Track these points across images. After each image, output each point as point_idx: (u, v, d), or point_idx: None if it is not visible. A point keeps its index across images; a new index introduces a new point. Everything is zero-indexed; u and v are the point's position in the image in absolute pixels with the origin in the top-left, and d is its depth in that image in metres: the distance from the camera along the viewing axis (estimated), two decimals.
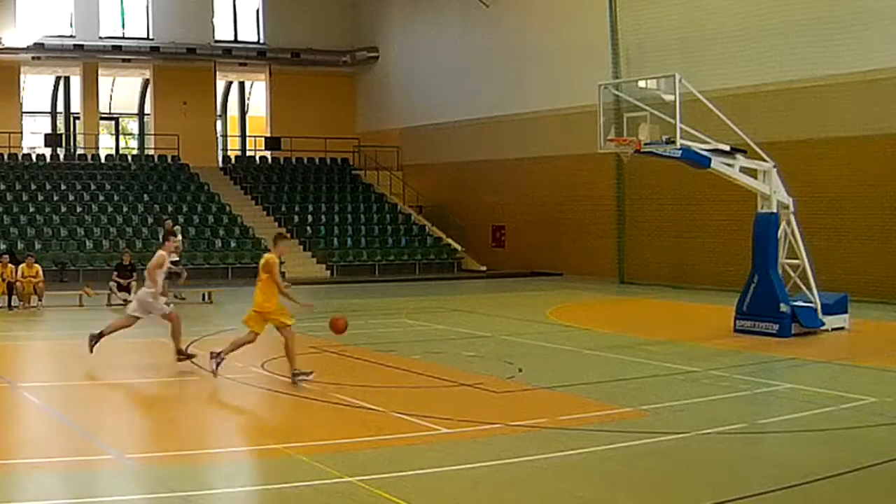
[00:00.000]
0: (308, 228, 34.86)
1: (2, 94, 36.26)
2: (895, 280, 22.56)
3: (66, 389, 13.03)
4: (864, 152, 23.15)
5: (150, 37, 38.15)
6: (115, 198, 33.79)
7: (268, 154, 40.53)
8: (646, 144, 16.93)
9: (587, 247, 31.14)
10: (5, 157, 35.08)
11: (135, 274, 23.70)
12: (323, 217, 35.87)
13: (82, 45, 36.73)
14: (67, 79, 39.52)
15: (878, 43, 22.50)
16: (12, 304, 21.97)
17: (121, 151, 40.07)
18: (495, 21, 34.36)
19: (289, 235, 14.81)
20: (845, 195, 23.49)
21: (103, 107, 39.78)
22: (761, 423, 10.71)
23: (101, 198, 33.65)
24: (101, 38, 37.21)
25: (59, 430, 10.45)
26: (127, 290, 23.08)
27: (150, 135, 39.58)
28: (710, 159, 17.08)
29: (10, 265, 22.40)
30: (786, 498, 7.90)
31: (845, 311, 18.10)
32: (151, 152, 38.86)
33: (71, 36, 36.85)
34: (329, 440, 9.77)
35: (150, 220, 32.79)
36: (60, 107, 40.18)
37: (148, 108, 40.41)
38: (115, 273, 23.41)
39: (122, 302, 22.93)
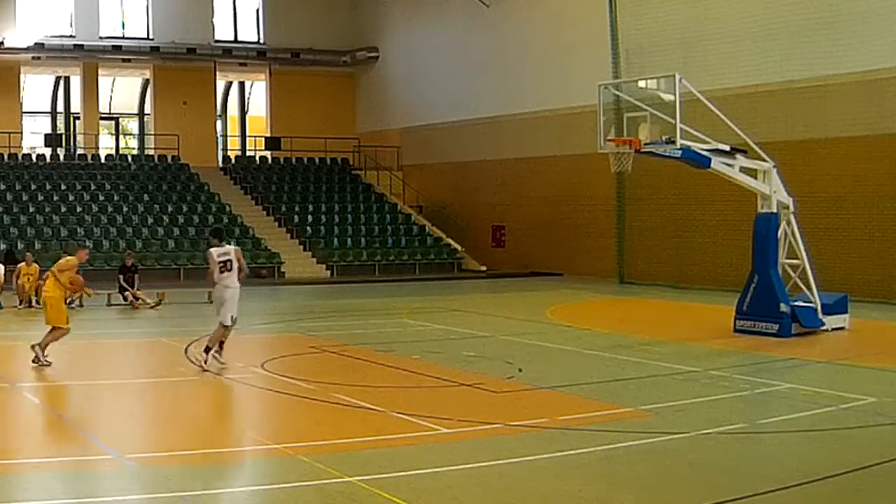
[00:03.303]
0: (308, 228, 34.86)
1: (2, 94, 36.28)
2: (895, 280, 22.56)
3: (66, 389, 13.04)
4: (864, 152, 23.14)
5: (150, 37, 38.16)
6: (115, 198, 33.80)
7: (268, 154, 40.54)
8: (646, 144, 16.92)
9: (587, 247, 31.14)
10: (5, 157, 35.09)
11: (137, 275, 23.73)
12: (323, 217, 35.87)
13: (82, 45, 36.74)
14: (67, 79, 39.51)
15: (878, 43, 22.51)
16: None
17: (121, 151, 40.07)
18: (495, 21, 34.36)
19: None
20: (845, 195, 23.49)
21: (103, 107, 39.79)
22: (761, 423, 10.70)
23: (101, 198, 33.66)
24: (101, 38, 37.22)
25: (59, 430, 10.45)
26: (129, 291, 23.12)
27: (150, 135, 39.59)
28: (710, 159, 17.08)
29: (34, 264, 22.53)
30: (786, 498, 7.89)
31: (845, 311, 18.10)
32: (151, 152, 38.88)
33: (71, 36, 36.86)
34: (329, 440, 9.76)
35: (151, 220, 32.81)
36: (60, 107, 40.17)
37: (148, 108, 40.43)
38: (121, 276, 23.40)
39: (125, 302, 22.98)
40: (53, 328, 14.04)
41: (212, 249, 14.27)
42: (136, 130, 42.80)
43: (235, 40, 40.24)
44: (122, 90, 41.41)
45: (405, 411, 10.79)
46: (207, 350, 13.80)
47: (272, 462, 9.06)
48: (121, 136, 42.33)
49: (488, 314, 21.99)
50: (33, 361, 13.67)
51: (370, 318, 21.06)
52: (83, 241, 30.63)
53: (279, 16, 40.12)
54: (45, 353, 13.76)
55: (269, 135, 40.70)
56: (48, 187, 33.64)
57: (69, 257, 14.83)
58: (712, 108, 17.40)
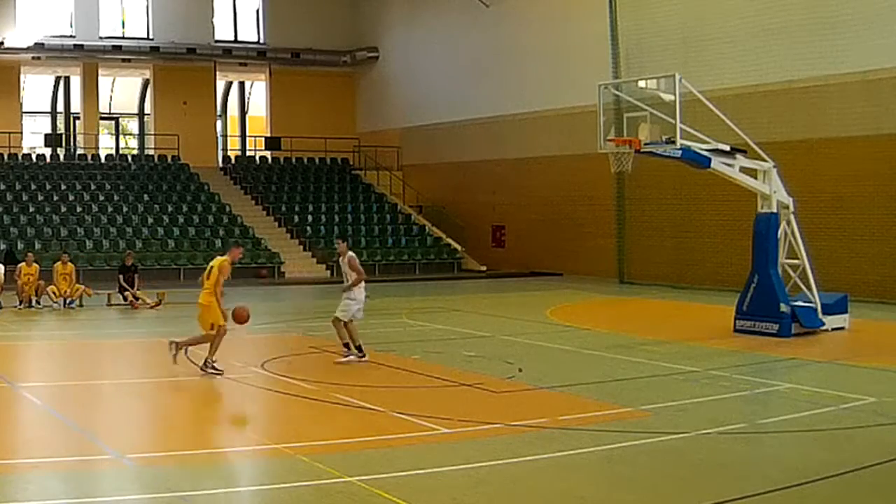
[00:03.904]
0: (308, 228, 34.86)
1: (2, 94, 36.27)
2: (895, 280, 22.56)
3: (66, 389, 13.04)
4: (864, 152, 23.14)
5: (150, 37, 38.16)
6: (115, 198, 33.80)
7: (268, 154, 40.54)
8: (646, 144, 16.93)
9: (587, 247, 31.14)
10: (5, 157, 35.09)
11: (137, 275, 23.71)
12: (323, 217, 35.88)
13: (82, 45, 36.73)
14: (67, 79, 39.52)
15: (877, 43, 22.51)
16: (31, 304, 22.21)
17: (121, 151, 40.08)
18: (495, 21, 34.36)
19: None
20: (845, 195, 23.49)
21: (103, 107, 39.79)
22: (761, 423, 10.71)
23: (101, 198, 33.65)
24: (101, 38, 37.22)
25: (59, 430, 10.45)
26: (129, 290, 23.11)
27: (150, 135, 39.59)
28: (710, 159, 17.08)
29: (34, 264, 22.56)
30: (786, 498, 7.90)
31: (845, 311, 18.10)
32: (151, 152, 38.88)
33: (71, 36, 36.86)
34: (329, 440, 9.77)
35: (151, 220, 32.81)
36: (60, 107, 40.19)
37: (148, 108, 40.43)
38: (121, 276, 23.37)
39: (125, 302, 22.98)
40: (217, 330, 13.34)
41: (352, 253, 15.42)
42: (136, 130, 42.81)
43: (235, 40, 40.23)
44: (122, 90, 41.42)
45: (405, 411, 10.78)
46: (346, 346, 14.57)
47: (272, 462, 9.06)
48: (121, 136, 42.35)
49: (488, 314, 21.98)
50: (202, 368, 13.13)
51: (370, 318, 21.00)
52: (83, 242, 30.70)
53: (279, 16, 40.11)
54: (214, 360, 13.17)
55: (269, 135, 40.69)
56: (48, 187, 33.64)
57: (221, 258, 13.61)
58: (712, 108, 17.40)
